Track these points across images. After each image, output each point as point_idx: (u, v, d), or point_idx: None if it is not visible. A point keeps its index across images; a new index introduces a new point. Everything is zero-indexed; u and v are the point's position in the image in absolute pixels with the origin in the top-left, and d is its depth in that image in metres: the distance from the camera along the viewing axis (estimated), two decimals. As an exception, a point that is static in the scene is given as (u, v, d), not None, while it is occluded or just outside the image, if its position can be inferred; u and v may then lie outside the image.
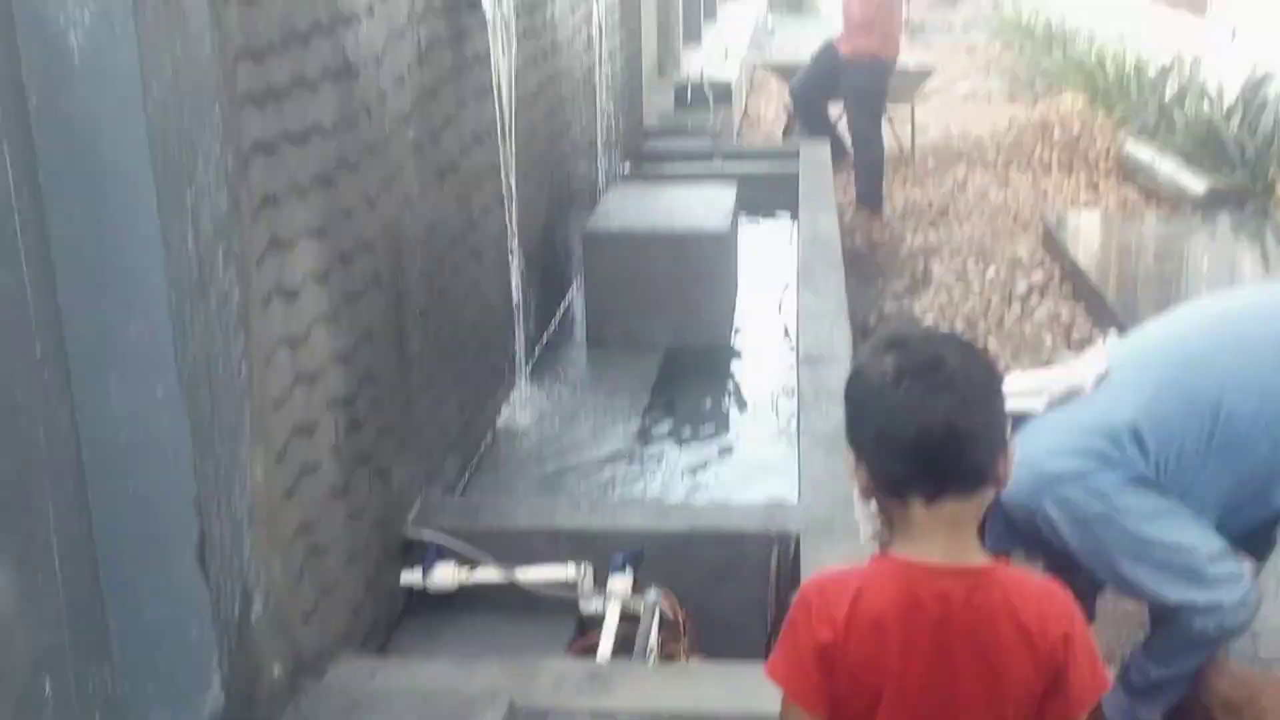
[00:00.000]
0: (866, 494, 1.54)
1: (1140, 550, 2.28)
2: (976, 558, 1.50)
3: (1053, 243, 6.14)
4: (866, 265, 6.23)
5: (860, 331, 4.98)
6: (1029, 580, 1.52)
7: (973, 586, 1.48)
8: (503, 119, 3.58)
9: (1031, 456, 2.18)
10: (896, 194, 7.50)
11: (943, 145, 8.84)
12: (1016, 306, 5.52)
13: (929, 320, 5.38)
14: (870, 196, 7.17)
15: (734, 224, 4.75)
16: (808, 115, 7.61)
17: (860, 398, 1.51)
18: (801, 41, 15.45)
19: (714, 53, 9.94)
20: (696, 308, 4.45)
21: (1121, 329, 4.97)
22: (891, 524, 1.54)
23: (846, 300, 4.36)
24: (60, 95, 1.62)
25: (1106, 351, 2.45)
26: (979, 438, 1.45)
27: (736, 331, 4.64)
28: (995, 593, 1.48)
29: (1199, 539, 2.28)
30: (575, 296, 4.89)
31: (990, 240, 6.51)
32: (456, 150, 3.25)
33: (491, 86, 3.50)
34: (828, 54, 7.36)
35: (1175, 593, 2.29)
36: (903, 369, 1.46)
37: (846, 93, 7.26)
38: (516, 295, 3.78)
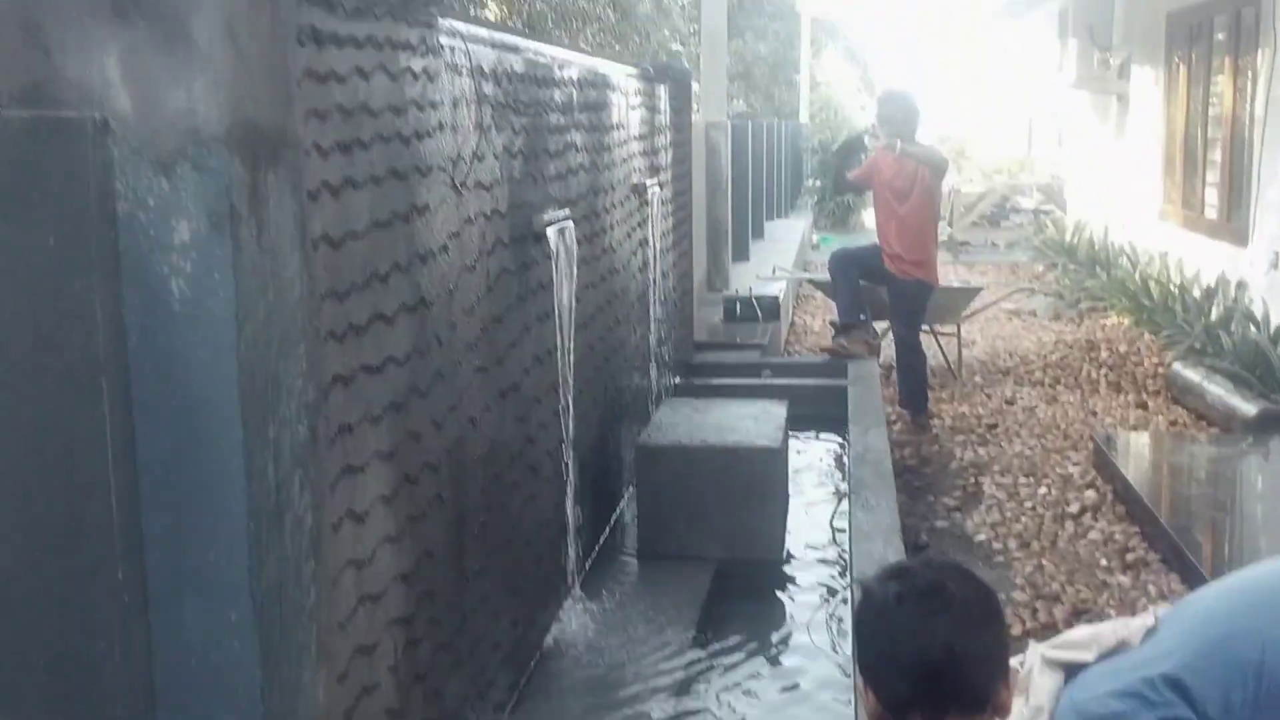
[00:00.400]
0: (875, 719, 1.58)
1: None
2: None
3: (1104, 462, 6.14)
4: (917, 480, 6.25)
5: (911, 548, 4.97)
6: None
7: None
8: (562, 340, 3.73)
9: (1075, 701, 2.23)
10: (945, 409, 7.56)
11: (989, 362, 8.95)
12: (1070, 526, 5.49)
13: (982, 538, 5.36)
14: (916, 401, 7.25)
15: (785, 439, 4.83)
16: (840, 281, 7.71)
17: (865, 621, 1.58)
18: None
19: (762, 268, 10.22)
20: (748, 522, 4.48)
21: (1176, 552, 4.95)
22: None
23: (899, 518, 4.38)
24: (158, 336, 1.73)
25: (1155, 613, 2.51)
26: (979, 661, 1.50)
27: (788, 547, 4.66)
28: None
29: None
30: (627, 508, 4.94)
31: (1040, 458, 6.52)
32: (519, 372, 3.37)
33: (553, 311, 3.65)
34: (878, 258, 7.53)
35: None
36: (904, 594, 1.53)
37: (892, 303, 7.42)
38: (570, 509, 3.85)
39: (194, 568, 1.78)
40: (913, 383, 7.33)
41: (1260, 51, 8.40)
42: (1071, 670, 2.23)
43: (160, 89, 1.68)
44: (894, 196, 7.23)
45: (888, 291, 7.42)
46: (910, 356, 7.35)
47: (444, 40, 2.75)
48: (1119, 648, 2.39)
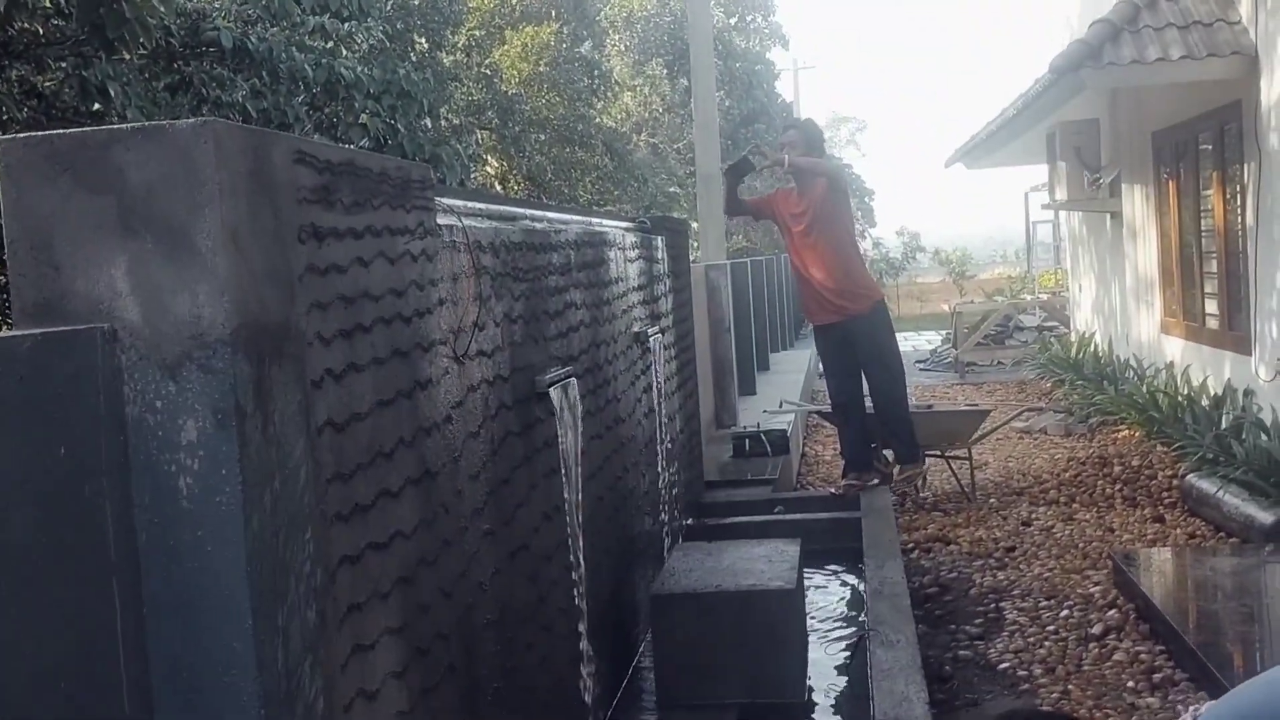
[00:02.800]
0: None
1: None
2: None
3: (1125, 580, 6.09)
4: (938, 608, 6.20)
5: (935, 680, 4.92)
6: None
7: None
8: (570, 493, 3.77)
9: None
10: (961, 534, 7.53)
11: (1003, 482, 8.93)
12: (1094, 648, 5.43)
13: (1006, 665, 5.30)
14: (909, 454, 7.16)
15: (799, 578, 4.82)
16: (841, 423, 7.52)
17: None
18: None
19: (769, 402, 10.29)
20: (768, 666, 4.45)
21: (1203, 669, 4.88)
22: None
23: (919, 653, 4.35)
24: (167, 532, 1.79)
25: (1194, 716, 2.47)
26: None
27: (810, 689, 4.61)
28: None
29: None
30: (644, 656, 4.91)
31: (1060, 579, 6.47)
32: (528, 530, 3.41)
33: (559, 466, 3.70)
34: (826, 343, 7.24)
35: None
36: None
37: (864, 358, 7.14)
38: (586, 665, 3.84)
39: (208, 760, 1.80)
40: (904, 433, 7.18)
41: (1246, 164, 8.58)
42: None
43: (166, 297, 1.77)
44: (794, 223, 6.94)
45: (843, 347, 7.09)
46: (897, 408, 7.16)
47: (441, 220, 2.86)
48: None
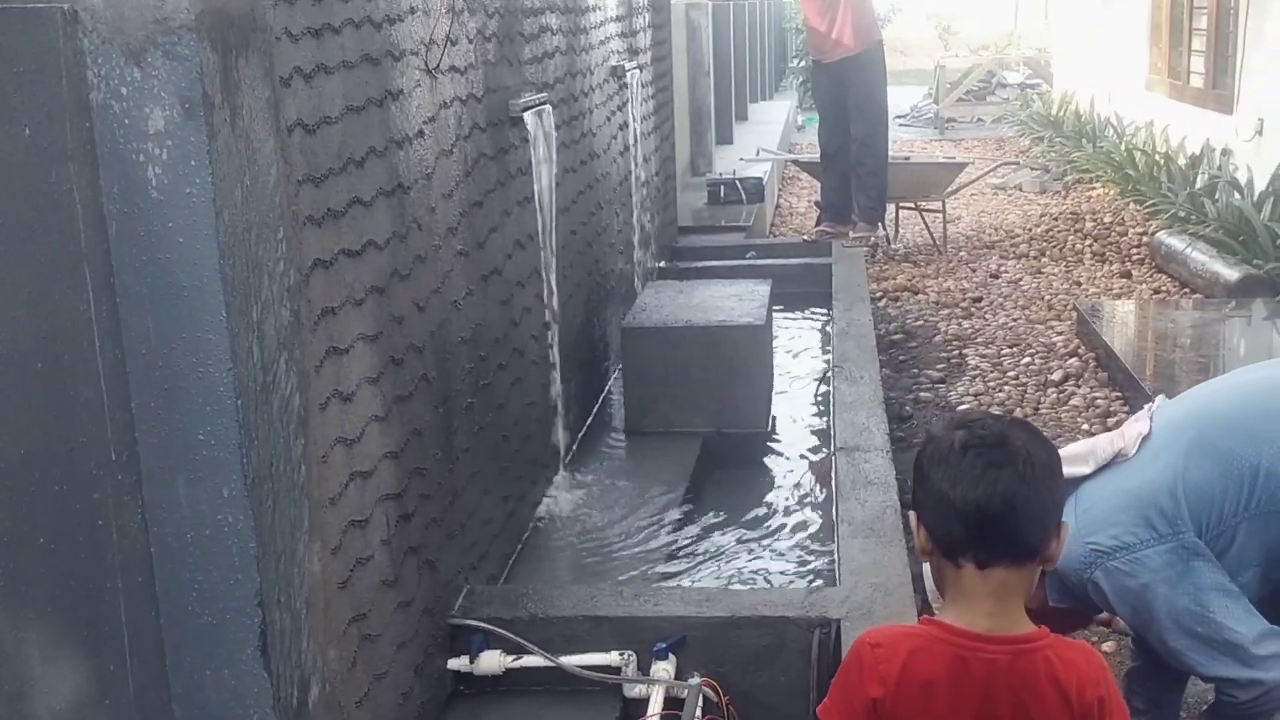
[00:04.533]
0: (924, 554, 1.67)
1: (1184, 624, 2.35)
2: (1021, 626, 1.63)
3: (1087, 330, 6.22)
4: (902, 354, 6.34)
5: (895, 420, 5.07)
6: (1068, 647, 1.64)
7: (1017, 653, 1.60)
8: (544, 225, 3.76)
9: (1082, 528, 2.31)
10: (930, 284, 7.62)
11: (975, 236, 8.98)
12: (1052, 393, 5.59)
13: (965, 407, 5.46)
14: (870, 212, 7.25)
15: (769, 317, 4.89)
16: (838, 172, 7.58)
17: (928, 464, 1.65)
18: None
19: (746, 151, 10.18)
20: (733, 398, 4.57)
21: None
22: (944, 585, 1.67)
23: (881, 390, 4.47)
24: (138, 223, 1.77)
25: (1150, 414, 2.54)
26: (1034, 515, 1.59)
27: (773, 420, 4.75)
28: (1038, 659, 1.61)
29: (1243, 618, 2.34)
30: (614, 387, 5.03)
31: (1024, 329, 6.60)
32: (501, 256, 3.42)
33: (533, 195, 3.68)
34: (820, 79, 7.34)
35: (1217, 668, 2.36)
36: (969, 442, 1.60)
37: (853, 102, 7.29)
38: (556, 389, 3.92)
39: (185, 447, 1.84)
40: (872, 187, 7.26)
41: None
42: (1070, 484, 2.28)
43: (126, -23, 1.69)
44: None
45: (836, 92, 7.22)
46: (873, 159, 7.21)
47: (411, -78, 2.73)
48: (1117, 458, 2.46)
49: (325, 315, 2.18)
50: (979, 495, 1.57)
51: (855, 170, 7.33)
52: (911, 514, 1.70)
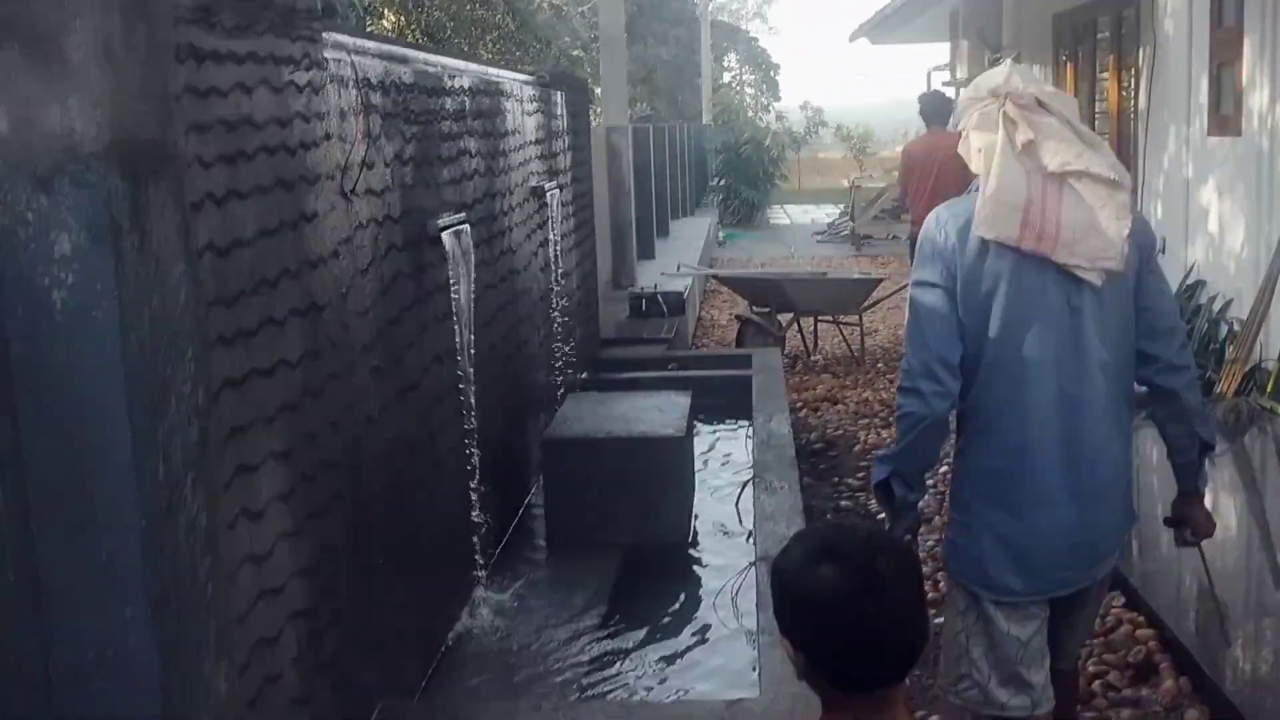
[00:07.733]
0: (804, 676, 1.70)
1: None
2: None
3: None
4: (822, 462, 6.42)
5: (816, 530, 5.12)
6: None
7: None
8: (462, 340, 3.81)
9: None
10: (849, 394, 7.76)
11: (891, 348, 9.19)
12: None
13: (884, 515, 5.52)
14: None
15: (689, 427, 4.95)
16: None
17: (797, 600, 1.67)
18: (753, 251, 16.14)
19: (668, 265, 10.37)
20: (654, 508, 4.60)
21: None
22: (825, 702, 1.71)
23: (801, 499, 4.53)
24: (41, 347, 1.78)
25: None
26: (912, 644, 1.64)
27: (695, 530, 4.78)
28: None
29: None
30: (535, 499, 5.03)
31: (940, 437, 6.72)
32: (417, 371, 3.45)
33: (452, 311, 3.73)
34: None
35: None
36: (839, 586, 1.62)
37: None
38: (475, 501, 3.93)
39: (88, 567, 1.84)
40: None
41: (1141, 50, 8.73)
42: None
43: (35, 107, 1.74)
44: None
45: None
46: None
47: (329, 54, 2.82)
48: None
49: (235, 433, 2.19)
50: (855, 639, 1.61)
51: None
52: (785, 640, 1.70)
